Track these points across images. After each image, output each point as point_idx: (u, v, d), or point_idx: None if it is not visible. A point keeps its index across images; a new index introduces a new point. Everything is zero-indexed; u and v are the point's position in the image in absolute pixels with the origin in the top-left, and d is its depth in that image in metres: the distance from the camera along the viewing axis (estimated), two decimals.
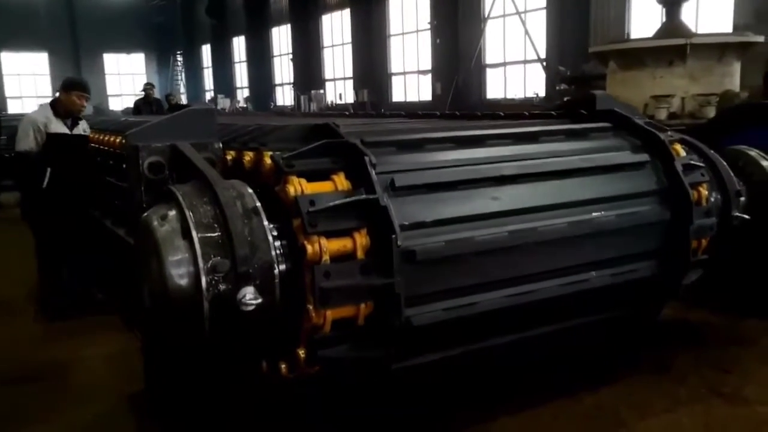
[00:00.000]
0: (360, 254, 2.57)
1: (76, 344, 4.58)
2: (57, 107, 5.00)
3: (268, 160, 2.66)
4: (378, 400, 3.27)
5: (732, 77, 11.07)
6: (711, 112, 10.20)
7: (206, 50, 36.44)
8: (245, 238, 2.46)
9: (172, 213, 2.57)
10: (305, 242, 2.51)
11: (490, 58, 21.87)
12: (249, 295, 2.40)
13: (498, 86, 21.84)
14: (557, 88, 17.66)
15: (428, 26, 22.78)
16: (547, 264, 3.06)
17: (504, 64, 21.56)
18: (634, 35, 16.39)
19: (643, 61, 11.11)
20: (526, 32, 19.94)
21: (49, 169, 4.77)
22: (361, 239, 2.58)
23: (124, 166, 4.00)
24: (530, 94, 20.35)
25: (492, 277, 2.90)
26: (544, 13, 19.31)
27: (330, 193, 2.59)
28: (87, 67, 32.94)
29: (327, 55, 28.31)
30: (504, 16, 20.53)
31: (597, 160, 3.37)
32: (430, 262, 2.70)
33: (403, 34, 24.59)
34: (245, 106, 28.71)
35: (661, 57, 10.93)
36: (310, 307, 2.53)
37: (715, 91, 10.64)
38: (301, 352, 2.65)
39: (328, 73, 28.40)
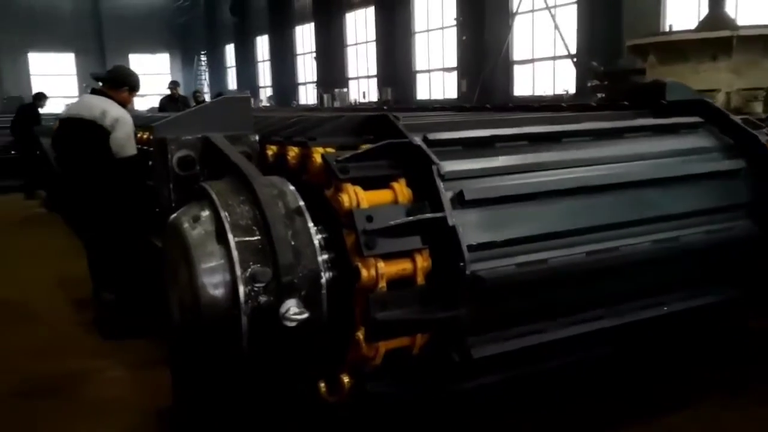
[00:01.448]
0: (420, 278, 2.23)
1: (94, 353, 4.31)
2: (117, 101, 4.72)
3: (318, 159, 2.32)
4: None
5: None
6: (758, 108, 9.71)
7: (230, 50, 36.36)
8: (288, 243, 2.14)
9: (205, 214, 2.26)
10: (360, 265, 2.15)
11: (517, 54, 21.42)
12: (293, 308, 2.08)
13: (526, 83, 21.40)
14: (589, 84, 17.19)
15: (454, 23, 22.39)
16: (627, 288, 2.68)
17: (532, 60, 21.10)
18: (668, 29, 15.90)
19: (685, 54, 10.63)
20: (556, 27, 19.47)
21: None
22: (423, 262, 2.23)
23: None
24: (559, 90, 19.90)
25: (565, 305, 2.53)
26: (574, 7, 18.80)
27: (390, 208, 2.23)
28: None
29: (351, 53, 28.07)
30: (533, 11, 20.06)
31: (693, 165, 2.93)
32: (499, 289, 2.35)
33: (428, 31, 24.23)
34: (268, 105, 28.58)
35: (704, 50, 10.44)
36: (360, 337, 2.20)
37: (761, 86, 10.14)
38: (346, 380, 2.31)
39: (351, 72, 28.17)
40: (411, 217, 2.19)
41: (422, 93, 24.96)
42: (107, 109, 4.62)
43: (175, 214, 2.37)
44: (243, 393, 2.61)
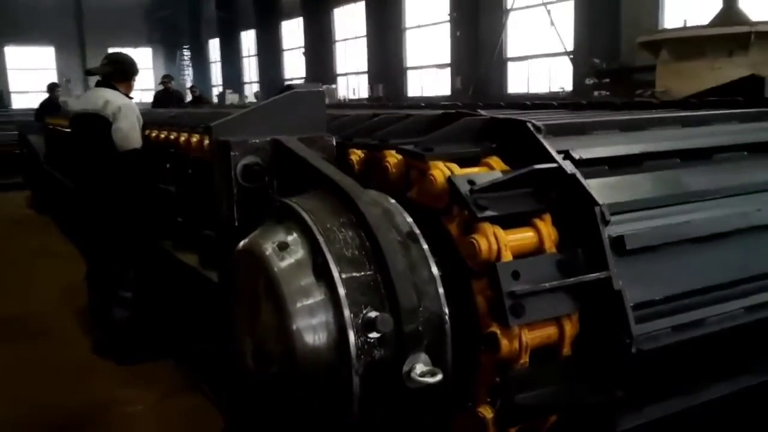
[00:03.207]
0: (566, 349, 1.76)
1: (117, 381, 3.81)
2: (122, 92, 4.41)
3: (439, 178, 1.80)
4: None
5: None
6: None
7: (214, 44, 35.57)
8: (410, 279, 1.67)
9: (294, 239, 1.78)
10: (499, 334, 1.68)
11: (512, 51, 21.12)
12: (420, 366, 1.61)
13: (520, 81, 21.11)
14: (587, 81, 16.90)
15: (447, 18, 22.02)
16: None
17: (527, 57, 20.79)
18: (667, 26, 15.64)
19: (701, 50, 10.33)
20: (552, 24, 19.16)
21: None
22: (571, 328, 1.76)
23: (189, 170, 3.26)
24: (555, 88, 19.61)
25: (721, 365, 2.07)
26: (570, 4, 18.50)
27: (539, 261, 1.74)
28: (94, 61, 31.83)
29: (340, 48, 27.56)
30: (528, 7, 19.73)
31: None
32: (659, 360, 1.87)
33: (420, 26, 23.83)
34: (255, 101, 27.96)
35: (720, 46, 10.14)
36: (487, 417, 1.72)
37: None
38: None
39: (340, 68, 27.65)
40: (571, 279, 1.72)
41: (414, 90, 24.54)
42: (110, 98, 4.27)
43: (250, 239, 1.89)
44: None
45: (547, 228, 1.77)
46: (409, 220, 1.81)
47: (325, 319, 1.68)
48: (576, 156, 1.87)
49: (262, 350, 1.84)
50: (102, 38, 33.03)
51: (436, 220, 1.84)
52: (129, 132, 4.16)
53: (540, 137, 1.82)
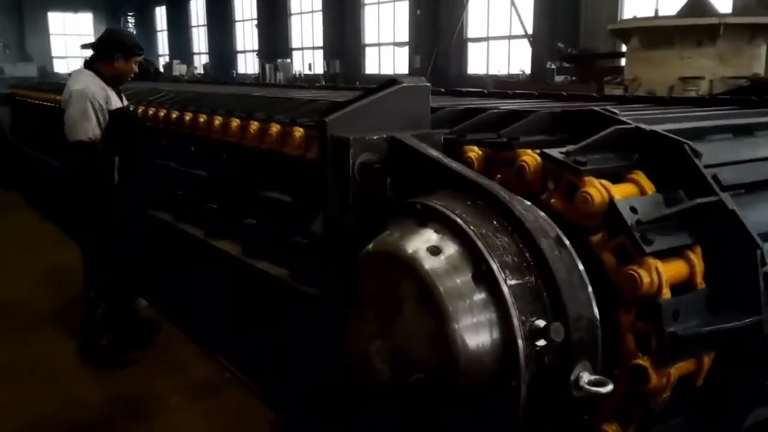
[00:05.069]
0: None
1: (146, 374, 3.67)
2: (105, 74, 3.76)
3: (596, 197, 1.77)
4: None
5: (759, 60, 10.68)
6: None
7: (161, 12, 34.31)
8: (575, 286, 1.65)
9: (447, 244, 1.74)
10: (650, 370, 1.72)
11: (472, 32, 21.20)
12: (587, 375, 1.61)
13: (480, 62, 21.23)
14: (549, 66, 17.15)
15: None
16: None
17: (487, 38, 20.92)
18: (627, 13, 16.00)
19: (670, 39, 10.58)
20: (513, 5, 19.31)
21: (117, 159, 3.74)
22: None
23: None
24: (515, 70, 19.83)
25: None
26: None
27: (694, 299, 1.78)
28: (30, 26, 30.62)
29: (295, 22, 26.99)
30: None
31: None
32: None
33: (378, 3, 23.57)
34: (202, 72, 27.17)
35: (690, 36, 10.42)
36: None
37: (744, 74, 10.23)
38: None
39: (296, 42, 27.11)
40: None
41: (371, 67, 24.33)
42: (71, 84, 3.79)
43: (388, 242, 1.83)
44: None
45: (698, 261, 1.81)
46: (555, 226, 1.79)
47: (489, 327, 1.65)
48: (723, 181, 1.87)
49: (403, 357, 1.79)
50: (39, 2, 31.37)
51: (579, 233, 1.83)
52: (76, 121, 3.63)
53: (698, 162, 1.83)
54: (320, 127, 2.08)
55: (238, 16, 29.76)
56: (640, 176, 1.86)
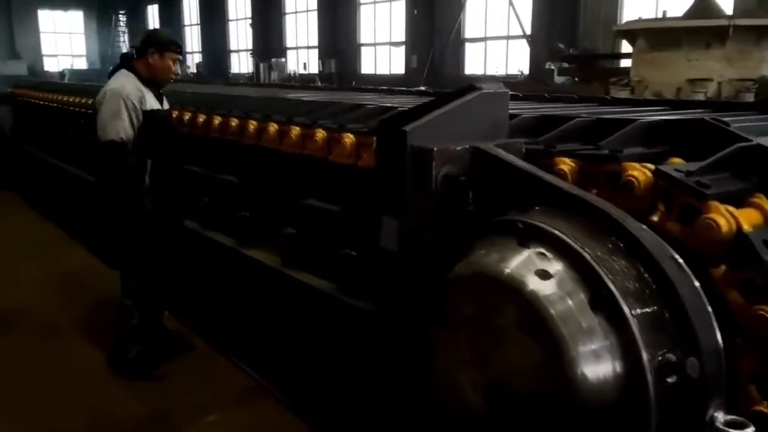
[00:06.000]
0: None
1: (178, 388, 3.49)
2: (142, 74, 3.62)
3: (724, 226, 1.65)
4: None
5: (766, 63, 10.61)
6: (749, 99, 9.73)
7: (153, 10, 33.90)
8: (703, 316, 1.51)
9: (558, 267, 1.58)
10: None
11: (469, 32, 21.08)
12: (721, 415, 1.46)
13: (477, 62, 21.11)
14: (548, 66, 17.05)
15: None
16: None
17: (485, 38, 20.81)
18: (626, 14, 15.93)
19: (678, 41, 10.50)
20: (511, 4, 19.21)
21: (150, 162, 3.53)
22: None
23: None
24: (513, 71, 19.72)
25: None
26: None
27: None
28: (20, 24, 30.12)
29: (290, 21, 26.77)
30: None
31: None
32: None
33: (375, 2, 23.42)
34: (195, 72, 26.89)
35: (698, 38, 10.35)
36: None
37: (751, 77, 10.18)
38: None
39: (290, 41, 26.90)
40: None
41: (367, 67, 24.17)
42: (107, 84, 3.66)
43: (487, 264, 1.67)
44: None
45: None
46: (669, 247, 1.64)
47: (612, 361, 1.50)
48: None
49: (504, 389, 1.64)
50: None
51: (694, 260, 1.67)
52: (108, 121, 3.48)
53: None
54: (399, 137, 1.91)
55: (231, 14, 29.48)
56: (763, 200, 1.71)
